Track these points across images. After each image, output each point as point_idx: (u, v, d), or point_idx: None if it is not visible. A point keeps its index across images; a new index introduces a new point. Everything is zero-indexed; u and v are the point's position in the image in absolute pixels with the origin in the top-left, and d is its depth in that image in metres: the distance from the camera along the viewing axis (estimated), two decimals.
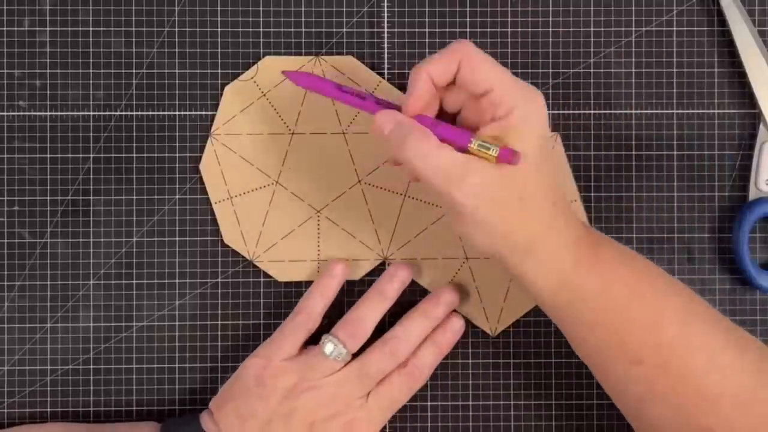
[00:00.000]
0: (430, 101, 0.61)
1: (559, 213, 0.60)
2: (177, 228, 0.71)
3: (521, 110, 0.58)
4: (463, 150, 0.58)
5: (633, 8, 0.72)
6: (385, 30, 0.71)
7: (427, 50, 0.71)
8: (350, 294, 0.71)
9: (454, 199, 0.58)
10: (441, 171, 0.58)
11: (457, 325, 0.69)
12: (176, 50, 0.71)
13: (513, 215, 0.58)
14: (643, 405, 0.61)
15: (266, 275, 0.71)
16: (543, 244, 0.60)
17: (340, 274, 0.69)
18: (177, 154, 0.71)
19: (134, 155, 0.71)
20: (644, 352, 0.60)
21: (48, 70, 0.70)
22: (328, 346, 0.66)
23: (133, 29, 0.71)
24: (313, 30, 0.71)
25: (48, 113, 0.70)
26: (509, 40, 0.71)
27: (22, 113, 0.70)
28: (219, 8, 0.71)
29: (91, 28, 0.71)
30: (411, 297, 0.71)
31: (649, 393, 0.60)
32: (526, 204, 0.59)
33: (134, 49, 0.71)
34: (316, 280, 0.69)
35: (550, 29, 0.72)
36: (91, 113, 0.71)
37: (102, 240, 0.71)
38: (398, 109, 0.61)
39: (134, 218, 0.71)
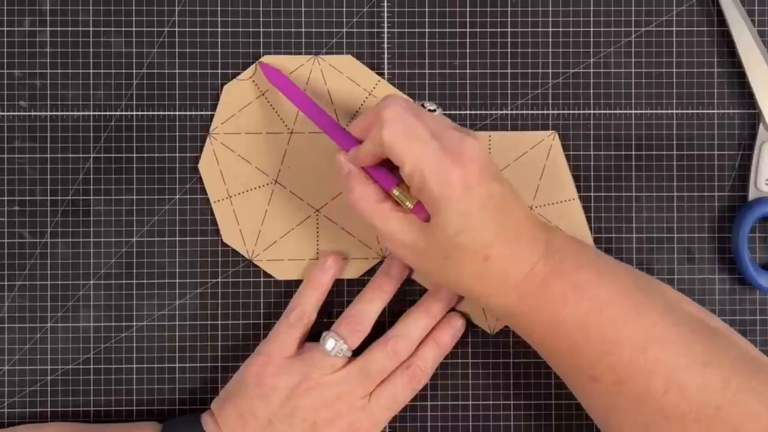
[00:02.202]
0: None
1: (494, 263, 0.60)
2: (177, 228, 0.71)
3: (433, 187, 0.59)
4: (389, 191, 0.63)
5: (633, 8, 0.72)
6: (385, 30, 0.71)
7: (427, 50, 0.71)
8: (350, 294, 0.71)
9: (388, 247, 0.63)
10: (375, 226, 0.62)
11: (457, 324, 0.69)
12: (176, 50, 0.71)
13: (440, 271, 0.62)
14: (608, 416, 0.62)
15: (266, 274, 0.71)
16: (477, 292, 0.62)
17: (332, 267, 0.69)
18: (177, 154, 0.71)
19: (134, 155, 0.71)
20: (599, 372, 0.60)
21: (48, 70, 0.70)
22: (329, 342, 0.66)
23: (133, 29, 0.71)
24: (313, 30, 0.71)
25: (48, 113, 0.71)
26: (509, 40, 0.71)
27: (22, 113, 0.70)
28: (219, 8, 0.71)
29: (91, 28, 0.71)
30: (411, 296, 0.71)
31: (612, 407, 0.61)
32: (452, 263, 0.61)
33: (134, 49, 0.71)
34: (308, 275, 0.70)
35: (550, 29, 0.72)
36: (91, 113, 0.71)
37: (102, 240, 0.71)
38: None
39: (134, 218, 0.71)
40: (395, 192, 0.62)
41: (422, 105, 0.63)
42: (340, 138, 0.65)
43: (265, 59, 0.70)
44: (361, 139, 0.64)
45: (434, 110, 0.63)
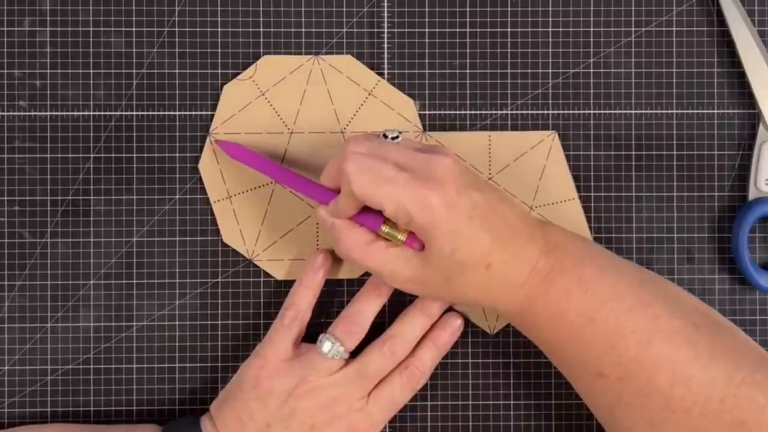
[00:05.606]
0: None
1: (496, 270, 0.61)
2: (177, 228, 0.71)
3: (418, 218, 0.59)
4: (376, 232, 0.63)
5: (633, 8, 0.72)
6: (385, 30, 0.71)
7: (427, 50, 0.71)
8: (349, 294, 0.71)
9: (391, 284, 0.64)
10: (373, 269, 0.63)
11: (456, 324, 0.69)
12: (176, 50, 0.71)
13: (446, 292, 0.63)
14: (613, 413, 0.62)
15: (266, 274, 0.71)
16: (484, 301, 0.63)
17: (322, 265, 0.69)
18: (177, 154, 0.71)
19: (134, 155, 0.71)
20: (605, 367, 0.60)
21: (48, 70, 0.70)
22: (326, 344, 0.66)
23: (133, 29, 0.71)
24: (313, 30, 0.71)
25: (48, 113, 0.71)
26: (509, 40, 0.71)
27: (22, 113, 0.70)
28: (219, 8, 0.71)
29: (91, 28, 0.71)
30: (410, 295, 0.71)
31: (617, 403, 0.61)
32: (456, 282, 0.61)
33: (134, 49, 0.71)
34: (300, 275, 0.69)
35: (550, 29, 0.72)
36: (91, 113, 0.71)
37: (102, 240, 0.71)
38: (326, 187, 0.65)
39: (134, 218, 0.71)
40: (384, 230, 0.62)
41: (384, 136, 0.63)
42: (315, 193, 0.65)
43: (264, 61, 0.70)
44: (335, 187, 0.64)
45: (397, 137, 0.63)
